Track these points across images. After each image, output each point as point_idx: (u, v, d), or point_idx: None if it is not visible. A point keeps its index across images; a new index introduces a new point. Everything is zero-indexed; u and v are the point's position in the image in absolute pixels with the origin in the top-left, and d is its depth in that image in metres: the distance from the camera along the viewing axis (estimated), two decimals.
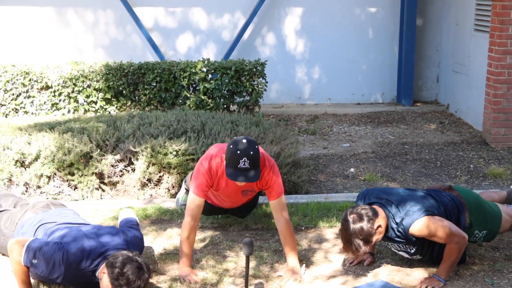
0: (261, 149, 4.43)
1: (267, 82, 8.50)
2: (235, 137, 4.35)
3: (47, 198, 5.67)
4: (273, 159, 4.53)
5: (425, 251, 4.28)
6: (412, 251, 4.25)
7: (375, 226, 4.03)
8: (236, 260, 4.58)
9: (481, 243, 4.67)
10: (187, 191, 5.26)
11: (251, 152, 4.16)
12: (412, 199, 4.18)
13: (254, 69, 8.31)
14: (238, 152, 4.15)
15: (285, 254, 4.43)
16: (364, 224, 3.99)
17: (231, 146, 4.21)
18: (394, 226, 4.12)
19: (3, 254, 4.59)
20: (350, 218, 4.01)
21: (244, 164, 4.15)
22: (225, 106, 8.34)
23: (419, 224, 4.04)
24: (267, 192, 4.45)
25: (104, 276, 3.73)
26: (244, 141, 4.21)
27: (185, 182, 5.40)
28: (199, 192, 4.38)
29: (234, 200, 4.77)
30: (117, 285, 3.66)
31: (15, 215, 4.48)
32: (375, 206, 4.14)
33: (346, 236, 4.03)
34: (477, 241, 4.48)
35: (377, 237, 4.08)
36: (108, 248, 3.96)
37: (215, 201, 4.84)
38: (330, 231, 5.11)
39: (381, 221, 4.08)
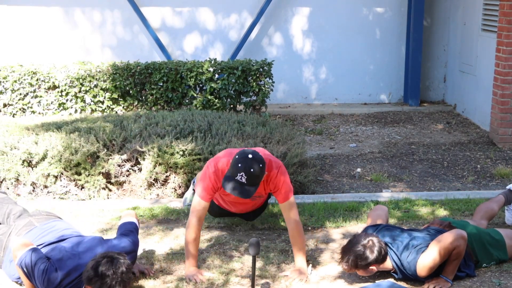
0: (266, 152, 4.42)
1: (273, 82, 8.50)
2: (245, 148, 4.30)
3: (37, 209, 5.19)
4: (279, 160, 4.50)
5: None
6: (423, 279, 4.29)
7: (371, 267, 4.12)
8: (242, 260, 4.58)
9: None
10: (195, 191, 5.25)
11: (252, 170, 4.11)
12: (411, 241, 4.22)
13: (261, 69, 8.30)
14: (240, 165, 4.12)
15: (293, 254, 4.43)
16: (370, 257, 4.07)
17: (237, 157, 4.19)
18: (400, 266, 4.19)
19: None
20: (366, 241, 4.11)
21: (241, 179, 4.13)
22: (231, 106, 8.34)
23: (421, 266, 4.08)
24: (275, 194, 4.43)
25: None
26: (250, 156, 4.16)
27: (193, 182, 5.37)
28: (204, 195, 4.36)
29: (242, 204, 4.74)
30: (100, 285, 3.66)
31: (1, 239, 4.40)
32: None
33: (349, 248, 4.13)
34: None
35: (362, 272, 4.17)
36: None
37: (223, 204, 4.83)
38: (336, 231, 5.10)
39: (381, 265, 4.18)
